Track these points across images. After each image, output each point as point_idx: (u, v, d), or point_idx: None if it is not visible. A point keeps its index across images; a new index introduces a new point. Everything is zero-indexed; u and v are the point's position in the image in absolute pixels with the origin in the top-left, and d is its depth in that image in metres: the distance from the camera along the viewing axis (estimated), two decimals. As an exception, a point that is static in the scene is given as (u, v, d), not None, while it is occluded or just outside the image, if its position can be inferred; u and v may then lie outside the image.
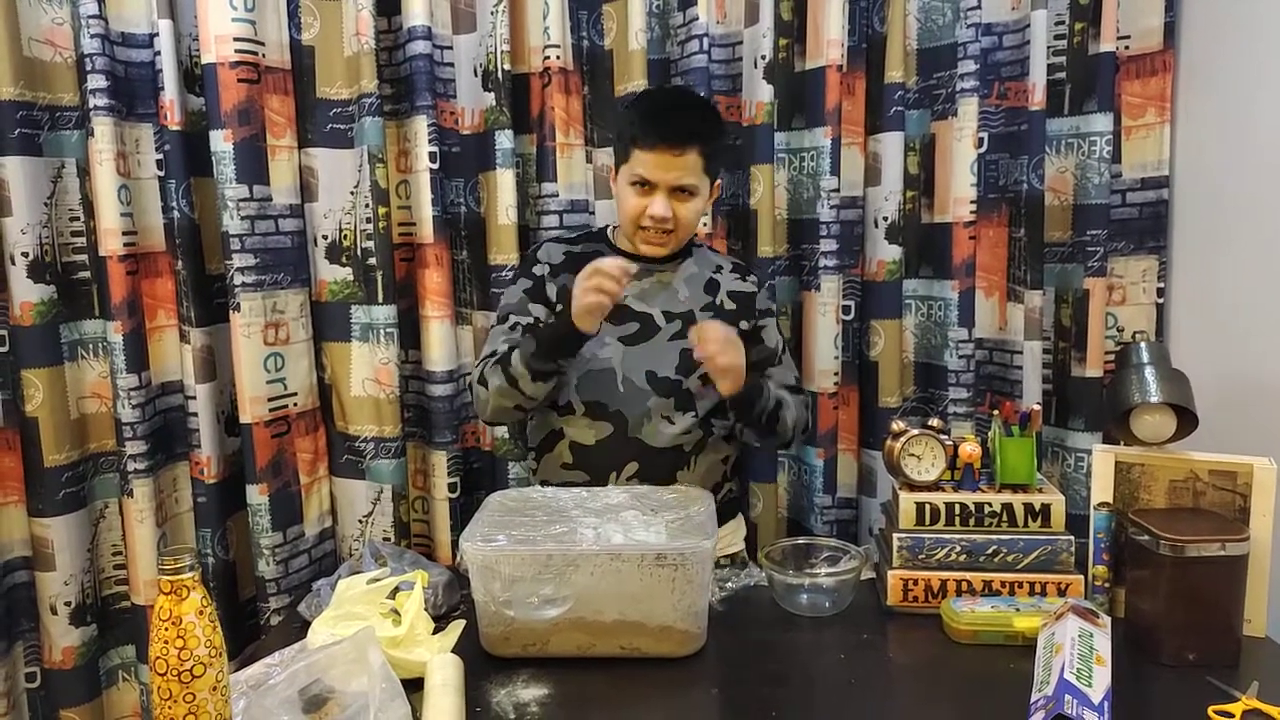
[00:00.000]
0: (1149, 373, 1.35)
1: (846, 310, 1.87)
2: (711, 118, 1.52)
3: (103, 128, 1.67)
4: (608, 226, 1.65)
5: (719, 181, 1.58)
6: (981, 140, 1.76)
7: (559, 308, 1.51)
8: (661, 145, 1.43)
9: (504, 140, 1.79)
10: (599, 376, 1.50)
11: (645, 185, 1.47)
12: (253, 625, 1.85)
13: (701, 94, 1.73)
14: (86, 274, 1.78)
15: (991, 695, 1.15)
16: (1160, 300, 1.75)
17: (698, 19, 1.78)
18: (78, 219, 1.77)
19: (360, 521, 1.88)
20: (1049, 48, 1.71)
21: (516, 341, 1.48)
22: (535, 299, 1.56)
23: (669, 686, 1.20)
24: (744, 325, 1.56)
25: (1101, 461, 1.36)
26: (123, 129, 1.72)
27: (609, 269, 1.35)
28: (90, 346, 1.80)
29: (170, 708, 0.88)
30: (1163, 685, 1.18)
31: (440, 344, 1.82)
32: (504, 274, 1.82)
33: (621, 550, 1.24)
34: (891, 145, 1.81)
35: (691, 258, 1.60)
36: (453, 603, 1.45)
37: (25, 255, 1.69)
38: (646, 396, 1.50)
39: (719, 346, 1.39)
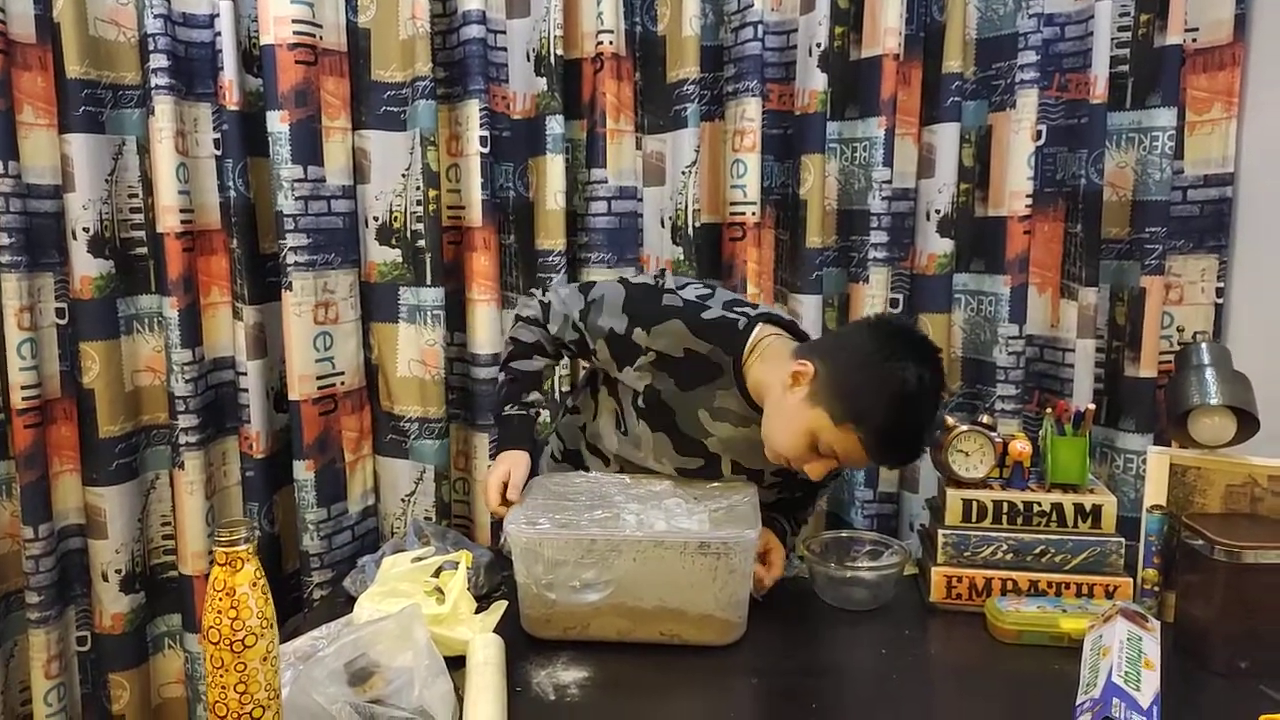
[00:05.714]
0: (1209, 374, 1.32)
1: (894, 303, 1.85)
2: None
3: (163, 106, 1.70)
4: None
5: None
6: (1040, 133, 1.72)
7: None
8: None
9: (554, 125, 1.79)
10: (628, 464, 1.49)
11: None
12: (295, 598, 1.88)
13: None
14: (144, 250, 1.82)
15: (1036, 695, 1.14)
16: (1219, 301, 1.70)
17: (752, 5, 1.76)
18: (136, 196, 1.80)
19: (403, 500, 1.90)
20: (1112, 39, 1.67)
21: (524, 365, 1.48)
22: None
23: (708, 674, 1.21)
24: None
25: (1156, 463, 1.33)
26: (182, 108, 1.75)
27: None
28: (146, 321, 1.84)
29: (222, 676, 0.90)
30: (1212, 693, 1.16)
31: (485, 327, 1.83)
32: (550, 259, 1.82)
33: (665, 537, 1.24)
34: (946, 136, 1.78)
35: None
36: (494, 584, 1.46)
37: (86, 230, 1.73)
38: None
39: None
